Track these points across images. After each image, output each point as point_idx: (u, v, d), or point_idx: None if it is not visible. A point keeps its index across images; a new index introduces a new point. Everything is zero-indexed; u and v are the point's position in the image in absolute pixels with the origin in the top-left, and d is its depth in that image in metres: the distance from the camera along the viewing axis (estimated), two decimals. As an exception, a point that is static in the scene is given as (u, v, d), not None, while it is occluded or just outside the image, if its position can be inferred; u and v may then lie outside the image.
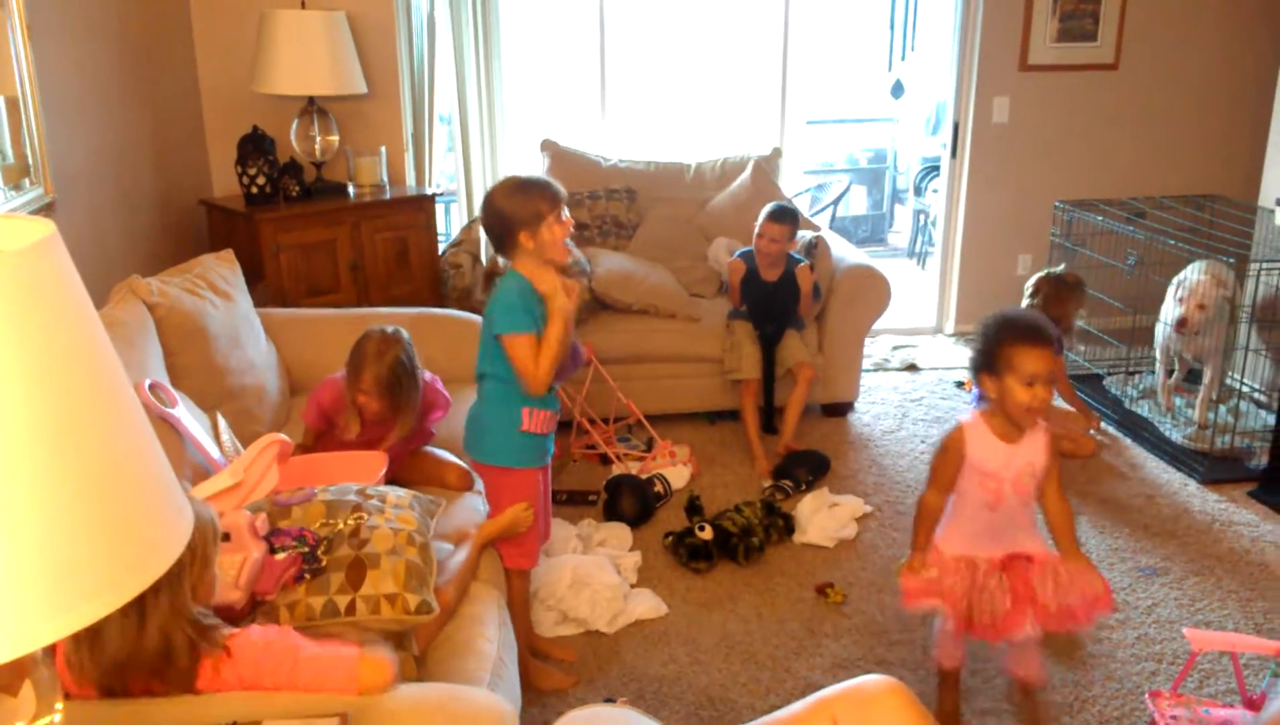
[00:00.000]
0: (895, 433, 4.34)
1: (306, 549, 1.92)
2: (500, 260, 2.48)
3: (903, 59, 8.20)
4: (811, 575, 3.24)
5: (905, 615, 3.01)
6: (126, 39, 3.67)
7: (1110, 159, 5.41)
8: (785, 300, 4.02)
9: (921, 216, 7.47)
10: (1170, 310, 4.14)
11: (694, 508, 3.46)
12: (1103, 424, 4.36)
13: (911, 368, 5.13)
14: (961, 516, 2.38)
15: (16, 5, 2.76)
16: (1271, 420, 3.98)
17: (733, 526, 3.30)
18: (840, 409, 4.48)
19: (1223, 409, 4.23)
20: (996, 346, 2.23)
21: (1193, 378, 4.59)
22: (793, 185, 5.34)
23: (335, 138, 4.39)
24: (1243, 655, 2.70)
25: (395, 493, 2.15)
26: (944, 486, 2.38)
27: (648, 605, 3.01)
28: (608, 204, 4.72)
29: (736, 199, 4.80)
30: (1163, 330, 4.23)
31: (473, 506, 2.66)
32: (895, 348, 5.39)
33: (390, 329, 2.66)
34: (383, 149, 4.48)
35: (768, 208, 3.97)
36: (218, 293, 2.89)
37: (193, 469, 2.37)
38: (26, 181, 2.88)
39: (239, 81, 4.34)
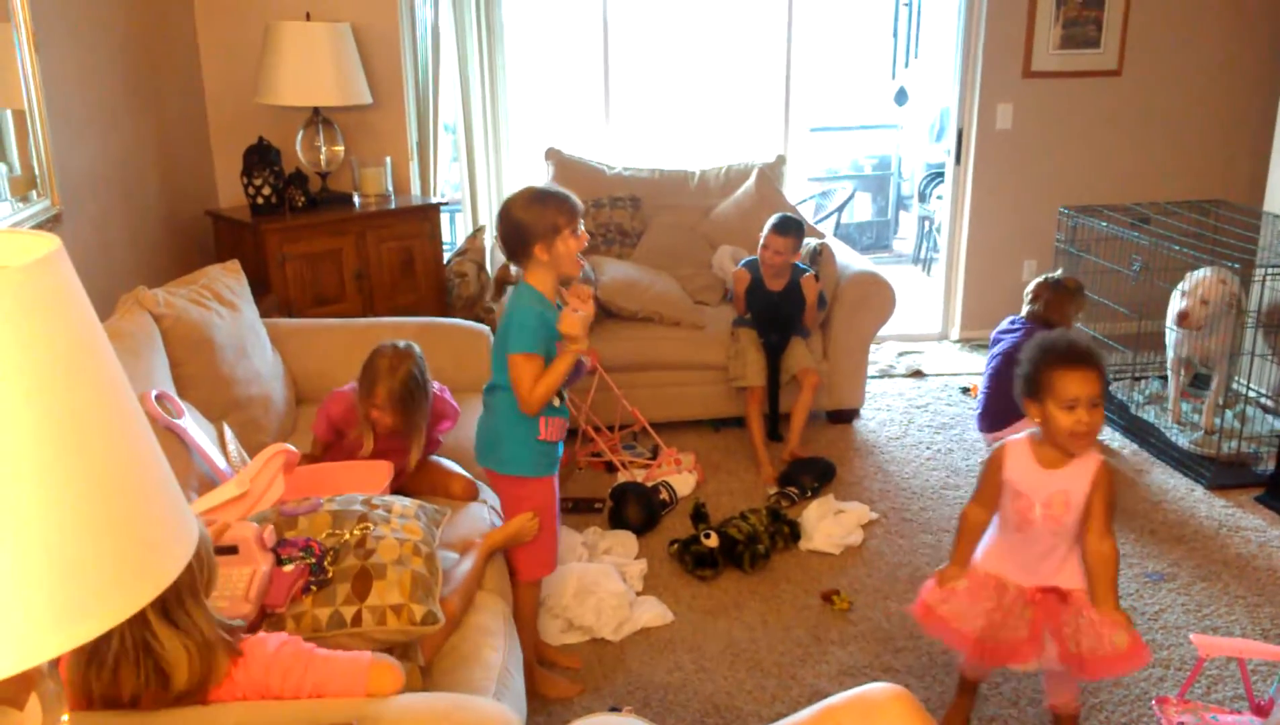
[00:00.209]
0: (901, 439, 4.34)
1: (313, 560, 1.93)
2: (513, 268, 2.49)
3: (906, 66, 8.21)
4: (817, 582, 3.23)
5: (912, 622, 3.01)
6: (132, 50, 3.69)
7: (1114, 164, 5.41)
8: (790, 310, 4.03)
9: (926, 223, 7.47)
10: (1175, 306, 4.13)
11: (699, 515, 3.46)
12: (1105, 428, 4.35)
13: (917, 374, 5.13)
14: (998, 535, 2.36)
15: (22, 17, 2.78)
16: (1278, 425, 3.97)
17: (738, 534, 3.30)
18: (845, 416, 4.48)
19: (1229, 414, 4.22)
20: (1037, 371, 2.20)
21: (1198, 383, 4.58)
22: (797, 192, 5.35)
23: (340, 148, 4.41)
24: (1250, 661, 2.70)
25: (401, 502, 2.15)
26: (983, 501, 2.35)
27: (653, 613, 3.01)
28: (612, 212, 4.73)
29: (741, 206, 4.80)
30: (1172, 336, 4.23)
31: (478, 516, 2.66)
32: (901, 354, 5.39)
33: (402, 344, 2.67)
34: (388, 159, 4.50)
35: (772, 219, 3.97)
36: (223, 303, 2.90)
37: (199, 479, 2.37)
38: (34, 193, 2.89)
39: (244, 92, 4.36)
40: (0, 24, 2.73)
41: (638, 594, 3.13)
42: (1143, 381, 4.72)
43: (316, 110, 4.29)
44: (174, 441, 2.34)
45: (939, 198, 6.68)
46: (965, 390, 4.87)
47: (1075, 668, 2.24)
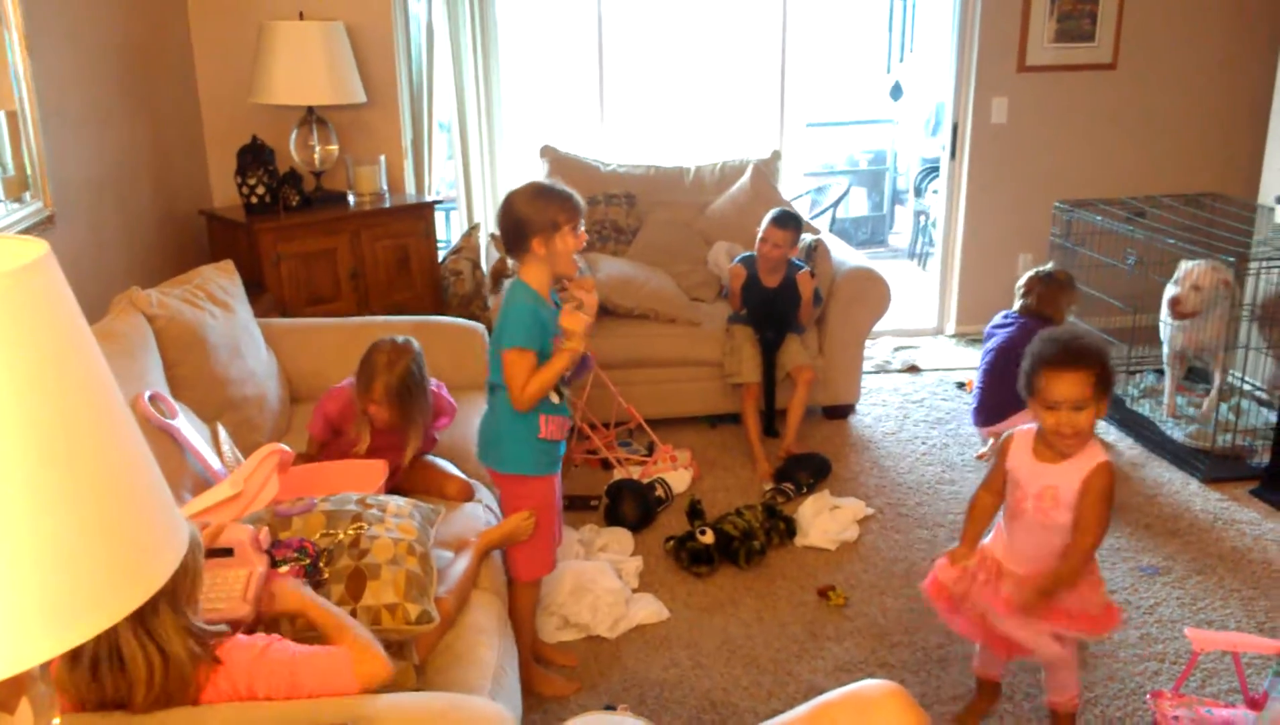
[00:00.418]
0: (896, 434, 4.34)
1: (308, 561, 1.93)
2: (509, 262, 2.49)
3: (901, 60, 8.21)
4: (813, 578, 3.24)
5: (908, 617, 3.02)
6: (125, 50, 3.68)
7: (1109, 158, 5.41)
8: (786, 306, 4.03)
9: (922, 217, 7.48)
10: (1168, 293, 4.13)
11: (695, 512, 3.46)
12: (1100, 422, 4.36)
13: (913, 369, 5.13)
14: (1002, 522, 2.40)
15: (14, 18, 2.77)
16: (1273, 418, 3.98)
17: (734, 530, 3.30)
18: (841, 411, 4.49)
19: (1224, 407, 4.23)
20: (1031, 368, 2.22)
21: (1192, 376, 4.59)
22: (792, 188, 5.34)
23: (335, 147, 4.40)
24: (1244, 654, 2.70)
25: (395, 502, 2.15)
26: (991, 486, 2.41)
27: (649, 610, 3.01)
28: (607, 209, 4.73)
29: (736, 202, 4.80)
30: (1167, 331, 4.23)
31: (473, 514, 2.66)
32: (896, 349, 5.39)
33: (401, 339, 2.68)
34: (382, 157, 4.49)
35: (771, 212, 3.99)
36: (217, 303, 2.90)
37: (193, 480, 2.38)
38: (27, 195, 2.89)
39: (238, 92, 4.36)
40: (-8, 25, 2.72)
41: (634, 591, 3.13)
42: (1137, 375, 4.72)
43: (310, 109, 4.29)
44: (167, 442, 2.35)
45: (934, 192, 6.68)
46: (960, 385, 4.87)
47: (1078, 626, 2.27)
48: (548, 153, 4.89)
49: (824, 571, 3.28)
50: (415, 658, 1.96)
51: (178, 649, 1.51)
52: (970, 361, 5.14)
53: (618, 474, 3.84)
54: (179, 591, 1.54)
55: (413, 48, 4.68)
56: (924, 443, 4.25)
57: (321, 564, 1.93)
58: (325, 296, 4.14)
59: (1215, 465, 3.93)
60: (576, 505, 3.66)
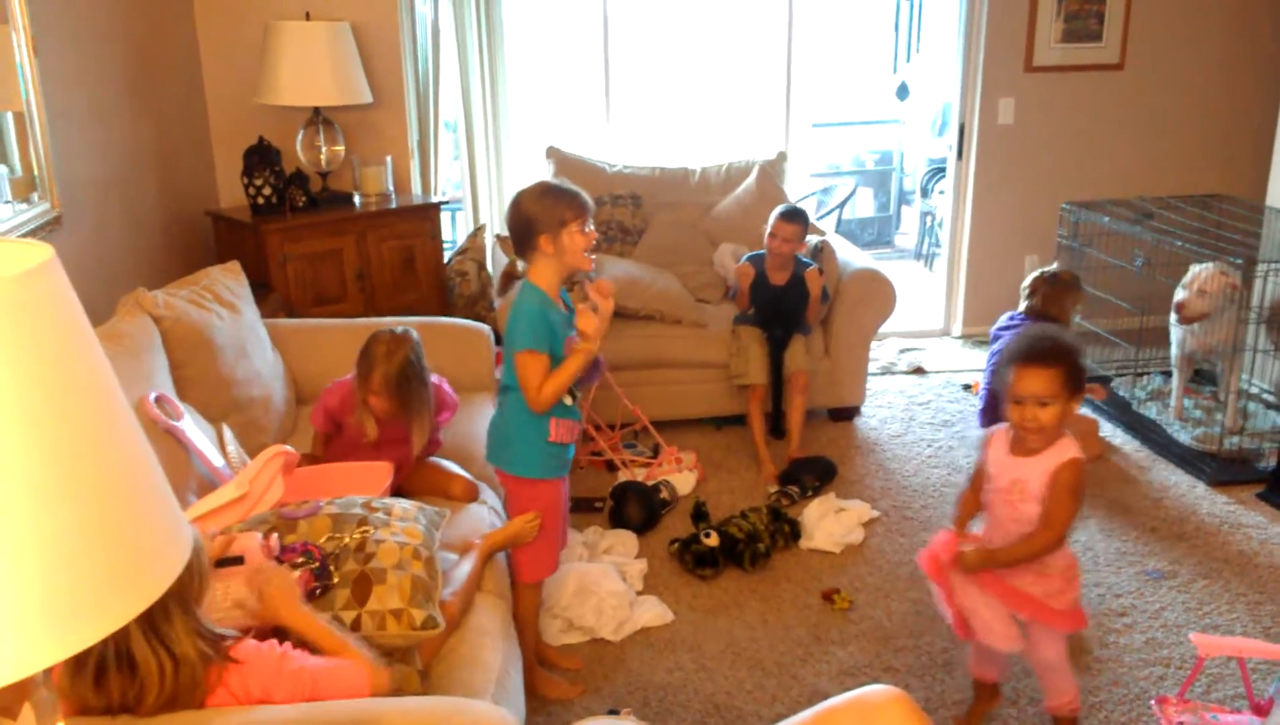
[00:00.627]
0: (902, 437, 4.33)
1: (317, 565, 1.93)
2: (519, 263, 2.49)
3: (908, 61, 8.19)
4: (818, 581, 3.24)
5: (913, 620, 3.01)
6: (131, 51, 3.69)
7: (1116, 159, 5.39)
8: (794, 303, 4.02)
9: (928, 218, 7.46)
10: (1176, 297, 4.13)
11: (700, 514, 3.46)
12: (1107, 423, 4.34)
13: (918, 371, 5.12)
14: (984, 515, 2.46)
15: (21, 19, 2.78)
16: (1280, 421, 3.97)
17: (739, 533, 3.30)
18: (847, 413, 4.48)
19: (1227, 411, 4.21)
20: (1003, 364, 2.30)
21: (1198, 378, 4.57)
22: (798, 189, 5.34)
23: (341, 148, 4.41)
24: (1250, 659, 2.70)
25: (401, 505, 2.15)
26: (973, 480, 2.46)
27: (653, 613, 3.01)
28: (613, 210, 4.73)
29: (742, 204, 4.80)
30: (1176, 333, 4.22)
31: (478, 516, 2.66)
32: (902, 351, 5.38)
33: (399, 329, 2.70)
34: (388, 158, 4.50)
35: (779, 208, 4.00)
36: (223, 304, 2.91)
37: (198, 481, 2.38)
38: (35, 196, 2.90)
39: (244, 93, 4.36)
40: (-1, 26, 2.73)
41: (638, 593, 3.13)
42: (1144, 377, 4.71)
43: (317, 110, 4.29)
44: (173, 444, 2.35)
45: (941, 193, 6.67)
46: (967, 387, 4.86)
47: (1031, 612, 2.31)
48: (553, 154, 4.89)
49: (829, 574, 3.28)
50: (419, 662, 1.96)
51: (189, 650, 1.51)
52: (977, 363, 5.13)
53: (622, 476, 3.84)
54: (188, 593, 1.54)
55: (419, 48, 4.68)
56: (930, 445, 4.24)
57: (331, 568, 1.93)
58: (331, 297, 4.15)
59: (1222, 468, 3.92)
60: (581, 507, 3.66)
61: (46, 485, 0.81)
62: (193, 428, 2.45)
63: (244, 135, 4.26)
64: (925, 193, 7.52)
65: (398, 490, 2.65)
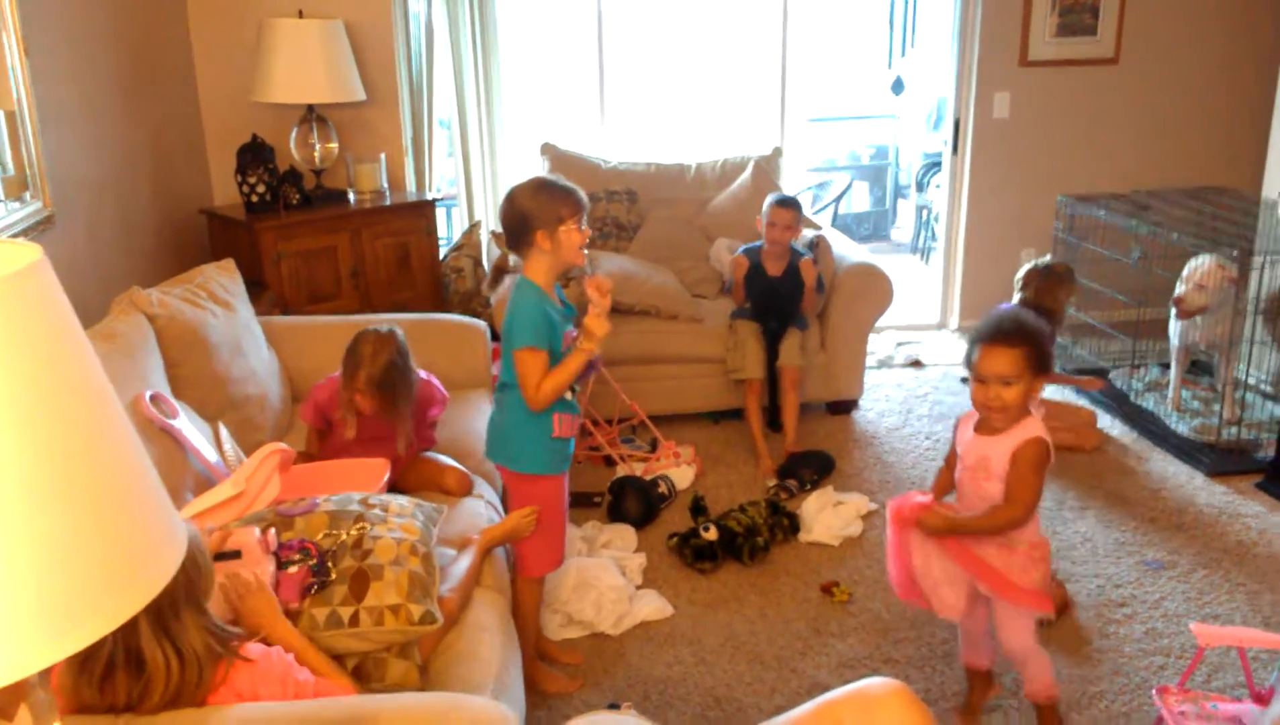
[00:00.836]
0: (900, 430, 4.33)
1: (314, 561, 1.92)
2: (511, 259, 2.49)
3: (903, 55, 8.19)
4: (817, 574, 3.23)
5: (912, 613, 3.01)
6: (124, 50, 3.67)
7: (1112, 152, 5.39)
8: (789, 294, 4.02)
9: (924, 212, 7.46)
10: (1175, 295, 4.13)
11: (698, 508, 3.46)
12: (1105, 415, 4.35)
13: (916, 364, 5.12)
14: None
15: (12, 19, 2.77)
16: (1278, 411, 3.97)
17: (737, 526, 3.30)
18: (844, 407, 4.48)
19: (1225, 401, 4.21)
20: (968, 344, 2.35)
21: (1194, 369, 4.57)
22: (794, 184, 5.33)
23: (335, 145, 4.40)
24: (1250, 649, 2.69)
25: (398, 501, 2.15)
26: (948, 459, 2.51)
27: (653, 607, 3.01)
28: (608, 206, 4.72)
29: (737, 199, 4.79)
30: (1175, 326, 4.22)
31: (475, 511, 2.66)
32: (899, 344, 5.38)
33: (385, 328, 2.72)
34: (382, 155, 4.49)
35: (772, 197, 4.01)
36: (218, 302, 2.90)
37: (194, 480, 2.37)
38: (27, 195, 2.89)
39: (238, 91, 4.35)
40: (-10, 25, 2.72)
41: (637, 588, 3.12)
42: (1142, 369, 4.71)
43: (310, 107, 4.28)
44: (168, 443, 2.34)
45: (937, 187, 6.66)
46: (964, 379, 4.86)
47: (990, 582, 2.33)
48: (548, 150, 4.88)
49: (827, 567, 3.28)
50: (418, 658, 1.96)
51: (198, 647, 1.52)
52: (973, 356, 5.12)
53: (621, 470, 3.84)
54: (197, 590, 1.54)
55: (412, 45, 4.67)
56: (927, 438, 4.24)
57: (329, 564, 1.93)
58: (326, 295, 4.14)
59: (1220, 459, 3.92)
60: (580, 502, 3.66)
61: (39, 487, 0.80)
62: (188, 426, 2.44)
63: (238, 133, 4.25)
64: (921, 187, 7.52)
65: (392, 486, 2.65)
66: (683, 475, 3.81)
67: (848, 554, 3.35)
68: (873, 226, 8.20)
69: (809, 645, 2.88)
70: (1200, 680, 2.70)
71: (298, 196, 4.17)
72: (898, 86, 8.06)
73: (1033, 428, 2.29)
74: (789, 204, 3.95)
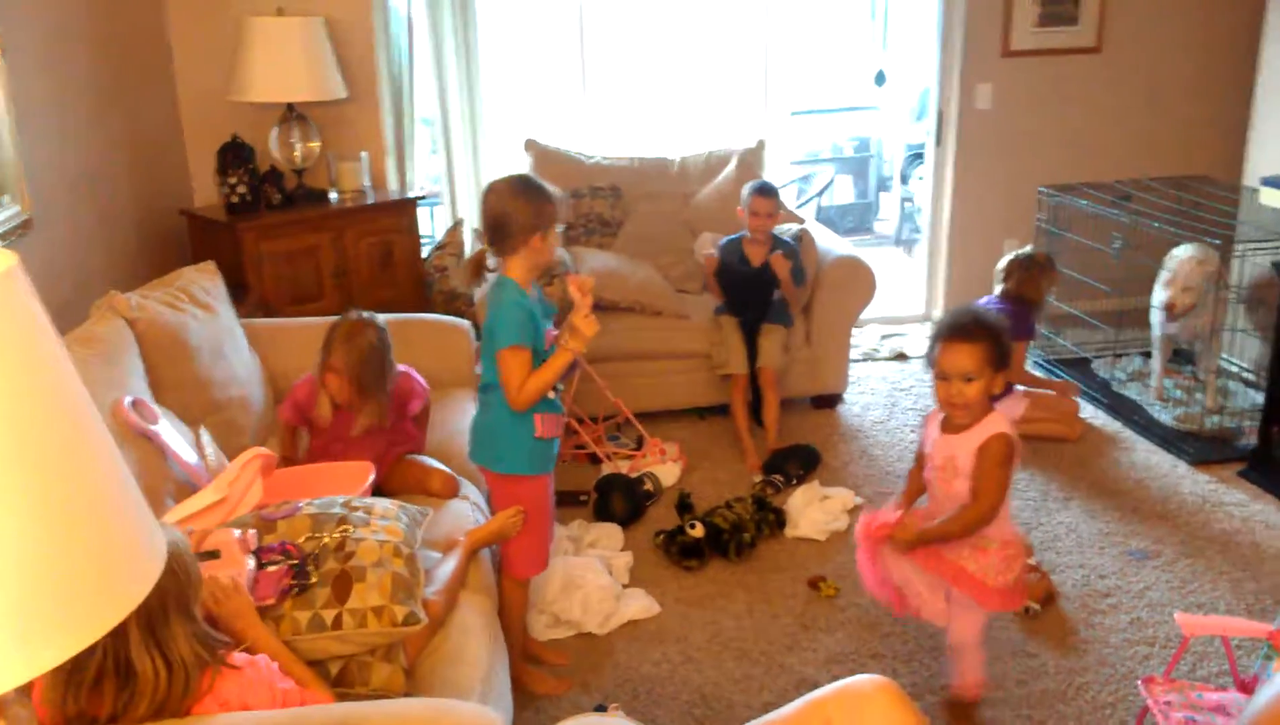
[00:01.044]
0: (885, 423, 4.34)
1: (295, 561, 1.91)
2: (490, 257, 2.48)
3: (885, 47, 8.19)
4: (804, 569, 3.24)
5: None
6: (102, 50, 3.64)
7: (1095, 142, 5.40)
8: (770, 284, 4.00)
9: (907, 204, 7.47)
10: (1159, 296, 4.14)
11: (684, 505, 3.46)
12: (1088, 405, 4.37)
13: (900, 356, 5.13)
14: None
15: (-14, 21, 2.73)
16: (1259, 399, 3.99)
17: (724, 523, 3.30)
18: (829, 400, 4.48)
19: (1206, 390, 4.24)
20: (930, 341, 2.38)
21: (1176, 358, 4.59)
22: (778, 176, 5.32)
23: (316, 144, 4.37)
24: (1234, 637, 2.71)
25: (381, 504, 2.14)
26: (917, 459, 2.53)
27: (640, 605, 3.01)
28: (592, 202, 4.71)
29: (722, 193, 4.78)
30: (1158, 316, 4.24)
31: (461, 513, 2.65)
32: (884, 337, 5.39)
33: (365, 314, 2.74)
34: (364, 154, 4.46)
35: (751, 185, 3.99)
36: (199, 305, 2.88)
37: (176, 485, 2.35)
38: (5, 198, 2.86)
39: (217, 90, 4.31)
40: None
41: (624, 586, 3.12)
42: (1123, 359, 4.73)
43: (291, 106, 4.25)
44: (149, 449, 2.32)
45: (920, 179, 6.66)
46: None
47: (965, 587, 2.35)
48: (532, 146, 4.86)
49: (814, 562, 3.28)
50: (404, 660, 1.95)
51: (186, 655, 1.51)
52: (958, 348, 5.13)
53: (606, 469, 3.83)
54: (186, 598, 1.53)
55: (393, 42, 4.64)
56: (913, 430, 4.25)
57: (310, 568, 1.92)
58: (309, 295, 4.11)
59: (1203, 448, 3.94)
60: (565, 501, 3.64)
61: (11, 499, 0.79)
62: (169, 431, 2.42)
63: (217, 133, 4.21)
64: (904, 179, 7.53)
65: (376, 489, 2.63)
66: (669, 472, 3.81)
67: (834, 549, 3.36)
68: (856, 219, 8.19)
69: (796, 641, 2.89)
70: (1185, 669, 2.71)
71: (279, 196, 4.14)
72: (880, 78, 8.06)
73: (996, 423, 2.30)
74: (769, 191, 3.94)
